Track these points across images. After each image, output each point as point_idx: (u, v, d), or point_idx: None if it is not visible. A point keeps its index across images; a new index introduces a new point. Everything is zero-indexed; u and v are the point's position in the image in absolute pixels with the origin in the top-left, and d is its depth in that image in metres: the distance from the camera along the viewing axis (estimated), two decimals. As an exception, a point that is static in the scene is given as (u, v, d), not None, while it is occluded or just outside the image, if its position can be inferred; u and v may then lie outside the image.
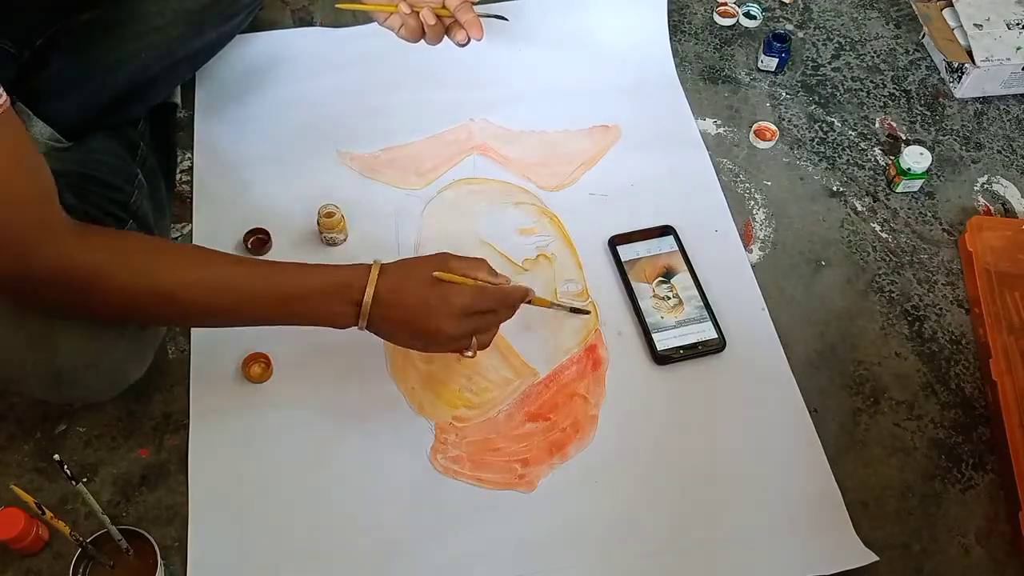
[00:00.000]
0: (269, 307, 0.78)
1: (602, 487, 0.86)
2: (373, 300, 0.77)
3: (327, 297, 0.77)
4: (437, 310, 0.78)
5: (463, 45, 0.95)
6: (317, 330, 0.92)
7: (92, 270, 0.70)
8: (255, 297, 0.77)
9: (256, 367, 0.90)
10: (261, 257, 0.98)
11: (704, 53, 1.22)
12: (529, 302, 0.87)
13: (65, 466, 0.66)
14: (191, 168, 1.06)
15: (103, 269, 0.71)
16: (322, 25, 1.20)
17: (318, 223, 0.98)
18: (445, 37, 0.95)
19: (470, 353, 0.82)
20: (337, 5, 0.98)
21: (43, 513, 0.70)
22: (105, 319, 0.79)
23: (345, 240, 1.00)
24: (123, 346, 0.81)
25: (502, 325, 0.93)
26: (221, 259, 0.79)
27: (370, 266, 0.78)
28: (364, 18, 1.19)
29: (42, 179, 0.69)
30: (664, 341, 0.94)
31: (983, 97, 1.19)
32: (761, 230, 1.05)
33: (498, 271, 0.83)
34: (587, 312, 0.96)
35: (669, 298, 0.97)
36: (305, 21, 1.22)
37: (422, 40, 0.96)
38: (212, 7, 0.99)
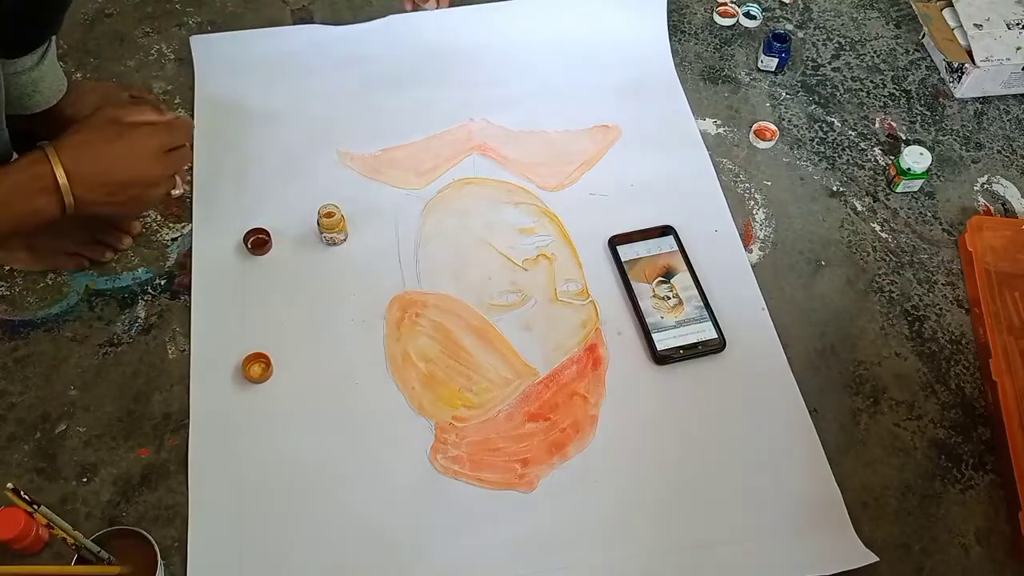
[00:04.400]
0: None
1: (602, 487, 0.86)
2: (68, 177, 0.76)
3: (21, 196, 0.75)
4: (137, 157, 0.78)
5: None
6: (317, 330, 0.93)
7: None
8: None
9: (256, 367, 0.90)
10: (259, 252, 0.99)
11: (704, 53, 1.22)
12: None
13: (22, 493, 0.67)
14: (191, 168, 1.05)
15: None
16: (322, 24, 1.20)
17: (318, 223, 0.98)
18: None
19: (178, 191, 0.84)
20: None
21: (37, 520, 0.70)
22: None
23: (345, 240, 1.00)
24: None
25: (502, 325, 0.94)
26: None
27: (44, 149, 0.76)
28: (364, 16, 1.19)
29: None
30: (664, 341, 0.94)
31: (983, 97, 1.18)
32: (761, 230, 1.05)
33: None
34: None
35: (669, 298, 0.97)
36: (305, 20, 1.21)
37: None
38: None
